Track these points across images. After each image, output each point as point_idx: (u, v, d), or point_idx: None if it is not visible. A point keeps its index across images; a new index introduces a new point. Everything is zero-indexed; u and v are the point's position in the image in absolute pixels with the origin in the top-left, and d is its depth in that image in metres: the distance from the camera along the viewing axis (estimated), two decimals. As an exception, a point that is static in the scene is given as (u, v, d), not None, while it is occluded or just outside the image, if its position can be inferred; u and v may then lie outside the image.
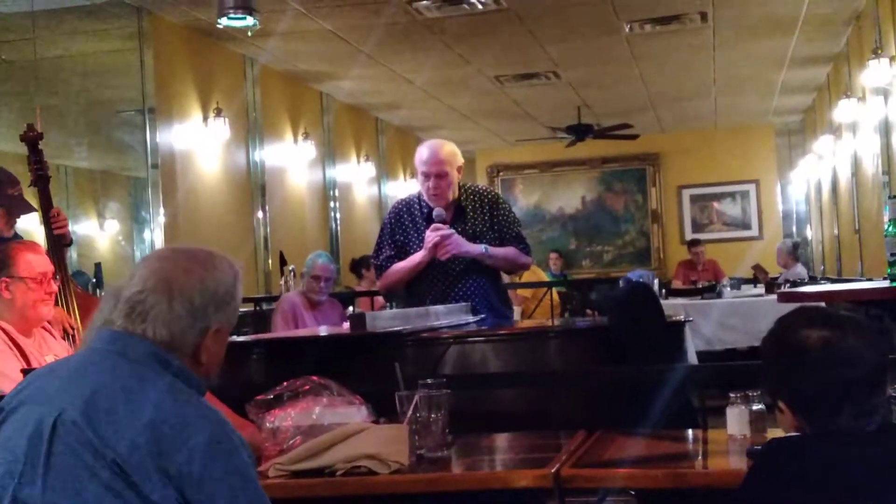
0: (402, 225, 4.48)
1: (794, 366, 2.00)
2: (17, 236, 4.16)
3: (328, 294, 6.63)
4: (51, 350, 3.38)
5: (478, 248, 4.35)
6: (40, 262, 3.45)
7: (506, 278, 5.00)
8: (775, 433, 2.38)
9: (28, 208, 4.21)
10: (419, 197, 4.48)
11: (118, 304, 1.93)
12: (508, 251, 4.44)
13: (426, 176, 4.37)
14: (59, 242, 4.04)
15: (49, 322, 3.56)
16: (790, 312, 2.09)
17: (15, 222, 4.19)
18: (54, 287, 3.49)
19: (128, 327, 1.91)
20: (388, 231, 4.51)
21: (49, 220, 4.04)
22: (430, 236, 4.27)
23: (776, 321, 2.10)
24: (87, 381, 1.84)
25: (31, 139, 4.15)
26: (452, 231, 4.31)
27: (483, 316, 4.31)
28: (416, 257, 4.36)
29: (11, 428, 1.85)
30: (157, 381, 1.86)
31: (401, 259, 4.44)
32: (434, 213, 4.34)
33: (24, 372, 2.92)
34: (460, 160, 4.45)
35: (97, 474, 1.75)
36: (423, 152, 4.40)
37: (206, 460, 1.77)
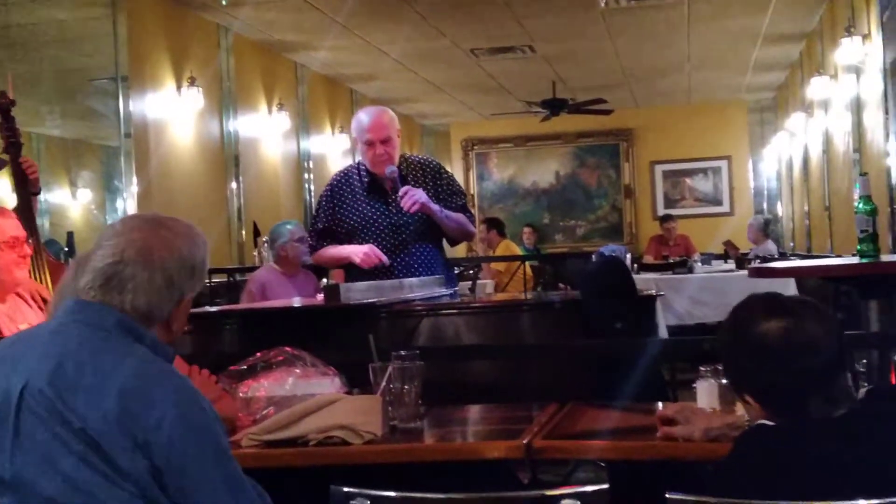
0: (339, 197, 4.38)
1: (756, 359, 1.99)
2: (-12, 203, 4.13)
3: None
4: (25, 318, 3.36)
5: (437, 207, 4.27)
6: (11, 226, 3.42)
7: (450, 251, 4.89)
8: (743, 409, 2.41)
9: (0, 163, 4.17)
10: (359, 167, 4.40)
11: (88, 273, 1.92)
12: (460, 216, 4.38)
13: (370, 143, 4.27)
14: (29, 200, 3.98)
15: (21, 291, 3.53)
16: (742, 303, 2.06)
17: None
18: (28, 250, 3.46)
19: (103, 298, 1.90)
20: (323, 204, 4.43)
21: (21, 187, 4.00)
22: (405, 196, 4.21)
23: (730, 313, 2.07)
24: (53, 350, 1.83)
25: (3, 106, 4.10)
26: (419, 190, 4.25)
27: (457, 288, 4.31)
28: (346, 251, 4.29)
29: None
30: (126, 351, 1.86)
31: (334, 233, 4.38)
32: (387, 170, 4.24)
33: (-4, 339, 2.91)
34: (398, 124, 4.38)
35: (68, 445, 1.75)
36: (363, 120, 4.30)
37: (174, 424, 1.77)
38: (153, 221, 2.01)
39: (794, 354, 1.95)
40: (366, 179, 4.35)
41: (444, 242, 4.52)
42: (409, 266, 4.29)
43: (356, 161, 4.47)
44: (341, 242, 4.38)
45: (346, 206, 4.36)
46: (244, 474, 1.88)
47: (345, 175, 4.45)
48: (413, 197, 4.17)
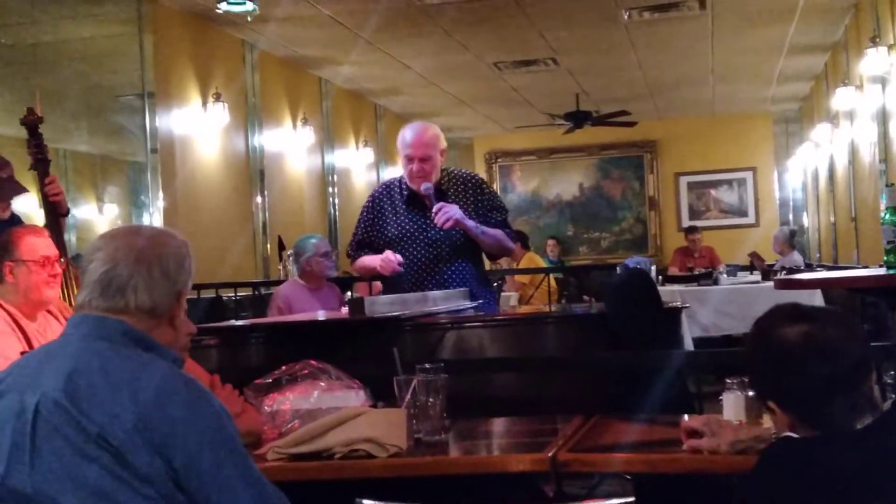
0: (379, 209, 4.42)
1: (779, 364, 1.99)
2: (18, 220, 4.16)
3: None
4: (55, 334, 3.37)
5: (473, 223, 4.29)
6: (43, 245, 3.44)
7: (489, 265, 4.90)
8: (770, 421, 2.40)
9: (19, 190, 4.20)
10: (400, 180, 4.44)
11: (86, 288, 1.95)
12: (498, 232, 4.39)
13: (410, 159, 4.30)
14: (57, 221, 4.02)
15: (52, 309, 3.55)
16: (766, 313, 2.07)
17: (9, 205, 4.18)
18: (58, 269, 3.49)
19: (106, 306, 1.93)
20: (364, 215, 4.47)
21: (48, 203, 4.03)
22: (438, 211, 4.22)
23: (754, 323, 2.08)
24: (63, 365, 1.86)
25: (31, 123, 4.14)
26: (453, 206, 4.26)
27: (482, 301, 4.31)
28: (372, 262, 4.32)
29: None
30: (134, 359, 1.89)
31: (371, 244, 4.41)
32: (423, 187, 4.27)
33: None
34: (444, 143, 4.40)
35: (87, 453, 1.78)
36: (406, 135, 4.34)
37: (187, 425, 1.81)
38: (131, 228, 2.13)
39: (815, 359, 1.94)
40: (406, 192, 4.39)
41: (484, 257, 4.55)
42: (444, 280, 4.31)
43: (400, 174, 4.50)
44: (380, 254, 4.40)
45: (385, 217, 4.40)
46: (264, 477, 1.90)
47: (387, 187, 4.50)
48: (447, 213, 4.19)
